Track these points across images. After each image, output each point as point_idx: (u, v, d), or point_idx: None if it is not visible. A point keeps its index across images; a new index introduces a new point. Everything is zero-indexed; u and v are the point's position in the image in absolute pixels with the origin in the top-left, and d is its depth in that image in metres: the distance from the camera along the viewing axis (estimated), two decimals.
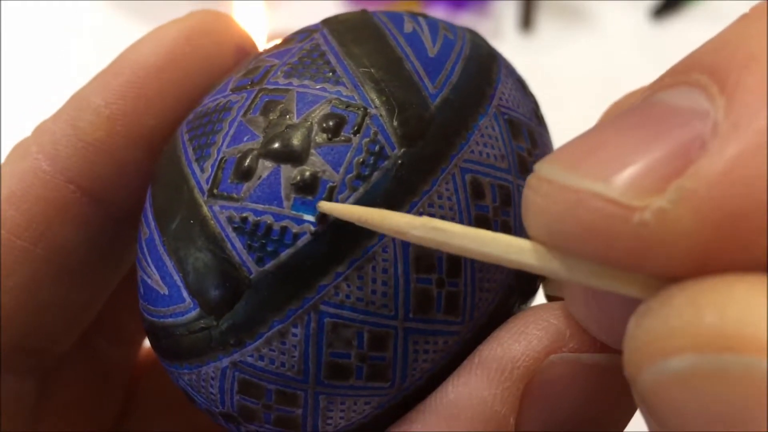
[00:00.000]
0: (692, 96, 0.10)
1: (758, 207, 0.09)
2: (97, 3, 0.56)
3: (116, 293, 0.19)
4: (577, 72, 0.55)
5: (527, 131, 0.15)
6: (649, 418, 0.10)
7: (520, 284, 0.14)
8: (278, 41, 0.15)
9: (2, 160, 0.16)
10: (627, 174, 0.10)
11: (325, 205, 0.13)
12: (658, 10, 0.58)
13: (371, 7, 0.57)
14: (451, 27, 0.15)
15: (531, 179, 0.11)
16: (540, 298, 0.15)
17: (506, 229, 0.14)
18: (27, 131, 0.16)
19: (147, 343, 0.21)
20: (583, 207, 0.10)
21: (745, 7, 0.11)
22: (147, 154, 0.16)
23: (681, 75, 0.10)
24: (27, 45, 0.54)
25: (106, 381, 0.20)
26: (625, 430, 0.14)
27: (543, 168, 0.11)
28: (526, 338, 0.13)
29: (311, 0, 0.55)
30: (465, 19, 0.56)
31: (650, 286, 0.10)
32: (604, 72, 0.55)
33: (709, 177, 0.09)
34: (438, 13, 0.56)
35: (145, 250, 0.14)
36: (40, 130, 0.16)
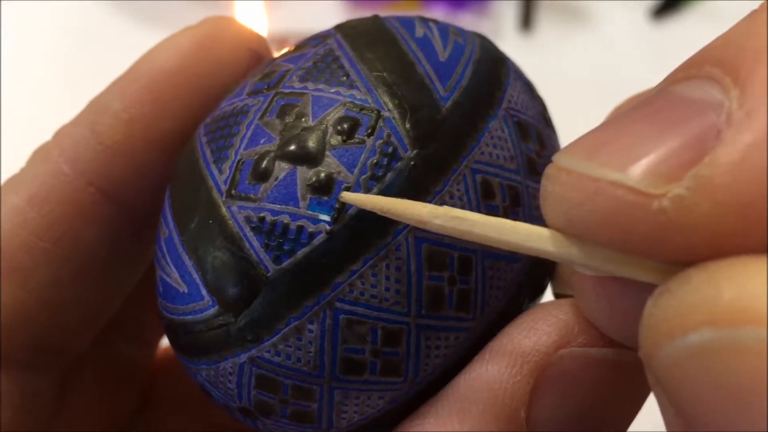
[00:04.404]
0: (706, 88, 0.10)
1: None
2: (97, 3, 0.56)
3: (134, 294, 0.19)
4: (577, 72, 0.56)
5: (535, 133, 0.15)
6: (662, 398, 0.10)
7: (529, 282, 0.15)
8: (291, 47, 0.16)
9: (2, 159, 0.16)
10: (645, 163, 0.10)
11: (348, 196, 0.13)
12: (658, 10, 0.59)
13: (371, 7, 0.56)
14: (461, 31, 0.16)
15: (549, 169, 0.11)
16: (548, 296, 0.16)
17: None
18: (26, 131, 0.17)
19: (163, 342, 0.21)
20: (602, 195, 0.10)
21: (744, 7, 0.11)
22: (164, 156, 0.16)
23: (693, 69, 0.11)
24: (26, 45, 0.54)
25: (123, 380, 0.20)
26: (630, 430, 0.15)
27: (561, 158, 0.11)
28: (535, 334, 0.13)
29: (311, 0, 0.56)
30: (465, 19, 0.56)
31: (666, 272, 0.10)
32: (604, 72, 0.55)
33: (725, 165, 0.09)
34: (438, 12, 0.56)
35: (165, 249, 0.15)
36: (60, 134, 0.16)
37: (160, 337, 0.21)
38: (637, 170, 0.10)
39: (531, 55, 0.56)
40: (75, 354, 0.18)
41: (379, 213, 0.13)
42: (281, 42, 0.53)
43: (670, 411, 0.10)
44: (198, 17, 0.17)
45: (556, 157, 0.11)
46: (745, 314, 0.09)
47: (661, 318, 0.10)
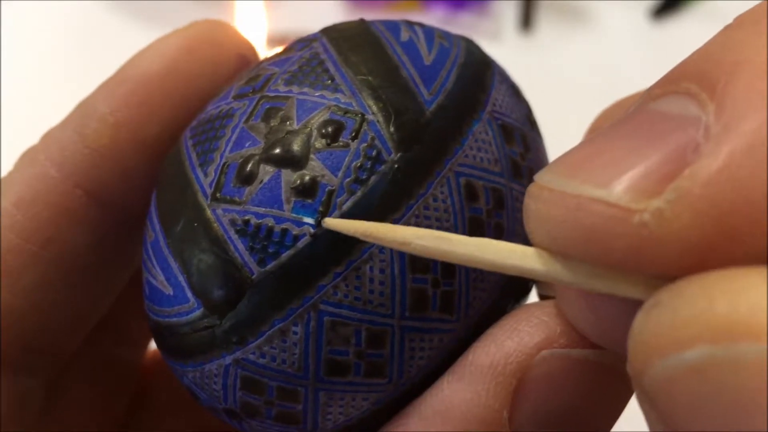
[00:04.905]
0: (683, 104, 0.10)
1: (752, 202, 0.09)
2: (97, 3, 0.56)
3: (122, 295, 0.19)
4: (576, 72, 0.56)
5: (520, 136, 0.15)
6: (651, 415, 0.10)
7: (513, 284, 0.15)
8: (279, 50, 0.16)
9: (2, 159, 0.17)
10: (625, 179, 0.10)
11: (330, 222, 0.13)
12: (658, 10, 0.59)
13: (371, 7, 0.56)
14: (446, 35, 0.16)
15: (531, 188, 0.11)
16: (533, 297, 0.16)
17: (499, 230, 0.14)
18: (26, 131, 0.17)
19: (153, 344, 0.21)
20: (583, 211, 0.10)
21: (743, 7, 0.11)
22: (151, 159, 0.16)
23: (670, 84, 0.11)
24: (26, 45, 0.54)
25: (113, 382, 0.20)
26: (624, 430, 0.15)
27: (543, 177, 0.11)
28: (518, 335, 0.13)
29: (311, 0, 0.56)
30: (465, 19, 0.56)
31: (652, 287, 0.10)
32: (604, 72, 0.55)
33: (704, 177, 0.10)
34: (438, 12, 0.56)
35: (151, 252, 0.15)
36: (47, 137, 0.16)
37: (149, 338, 0.21)
38: (618, 186, 0.10)
39: (531, 55, 0.56)
40: (65, 356, 0.18)
41: (361, 238, 0.13)
42: (281, 42, 0.53)
43: (659, 427, 0.10)
44: (198, 16, 0.17)
45: (537, 176, 0.11)
46: (744, 329, 0.09)
47: (653, 333, 0.10)
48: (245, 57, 0.17)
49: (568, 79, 0.55)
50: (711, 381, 0.09)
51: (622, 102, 0.16)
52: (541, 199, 0.11)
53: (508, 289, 0.15)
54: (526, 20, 0.57)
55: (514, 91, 0.16)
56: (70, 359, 0.18)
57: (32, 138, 0.17)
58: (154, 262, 0.15)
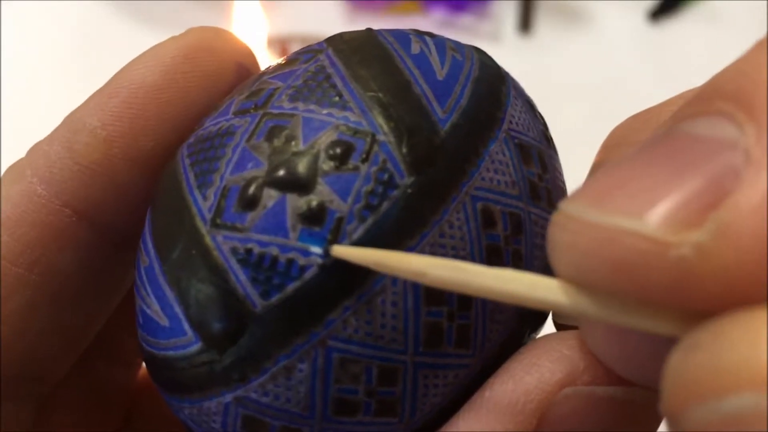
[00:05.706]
0: (719, 125, 0.10)
1: None
2: (97, 3, 0.55)
3: (114, 314, 0.18)
4: (575, 73, 0.55)
5: (537, 155, 0.14)
6: None
7: (530, 313, 0.14)
8: (281, 60, 0.15)
9: (2, 161, 0.16)
10: (660, 209, 0.09)
11: (339, 250, 0.12)
12: (656, 12, 0.58)
13: (370, 8, 0.55)
14: (458, 46, 0.15)
15: (557, 217, 0.11)
16: (549, 325, 0.15)
17: (518, 257, 0.13)
18: (26, 132, 0.16)
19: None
20: (615, 244, 0.10)
21: (742, 9, 0.11)
22: (145, 176, 0.15)
23: (703, 105, 0.10)
24: (26, 45, 0.53)
25: (104, 403, 0.19)
26: None
27: (569, 206, 0.11)
28: (538, 370, 0.13)
29: (310, 0, 0.55)
30: (464, 21, 0.56)
31: (686, 322, 0.10)
32: (603, 73, 0.55)
33: (747, 208, 0.09)
34: (437, 14, 0.55)
35: (145, 278, 0.14)
36: (34, 152, 0.15)
37: (141, 358, 0.21)
38: (652, 217, 0.09)
39: (530, 56, 0.56)
40: (54, 381, 0.17)
41: (373, 268, 0.12)
42: (281, 44, 0.52)
43: None
44: (198, 17, 0.16)
45: (563, 205, 0.11)
46: None
47: (693, 376, 0.09)
48: (244, 66, 0.16)
49: (568, 81, 0.54)
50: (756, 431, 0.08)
51: (638, 117, 0.15)
52: (567, 230, 0.10)
53: (527, 320, 0.14)
54: (526, 22, 0.56)
55: (530, 107, 0.15)
56: (61, 382, 0.17)
57: (32, 139, 0.16)
58: (149, 290, 0.14)
